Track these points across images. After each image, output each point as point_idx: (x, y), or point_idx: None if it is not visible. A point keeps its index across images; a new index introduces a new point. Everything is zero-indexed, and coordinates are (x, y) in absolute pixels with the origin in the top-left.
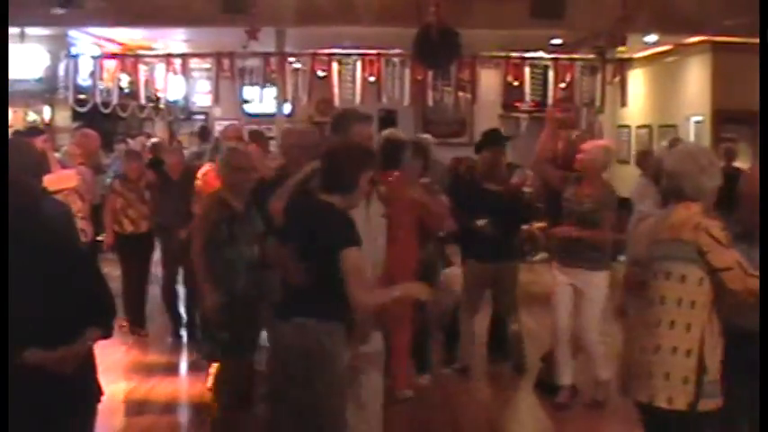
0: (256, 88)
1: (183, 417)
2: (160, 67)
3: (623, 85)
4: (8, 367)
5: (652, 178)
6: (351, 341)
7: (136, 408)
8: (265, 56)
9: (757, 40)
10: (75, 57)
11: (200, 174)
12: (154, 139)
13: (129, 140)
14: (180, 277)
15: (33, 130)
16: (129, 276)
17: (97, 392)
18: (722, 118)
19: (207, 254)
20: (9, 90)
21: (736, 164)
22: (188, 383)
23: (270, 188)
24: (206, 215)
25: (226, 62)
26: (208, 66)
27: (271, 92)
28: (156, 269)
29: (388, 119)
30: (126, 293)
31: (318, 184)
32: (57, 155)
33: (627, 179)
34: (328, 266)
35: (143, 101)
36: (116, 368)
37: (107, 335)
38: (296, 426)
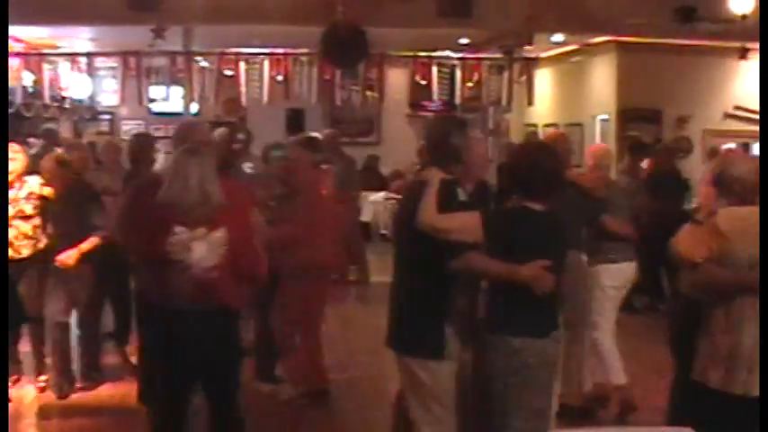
0: (163, 87)
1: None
2: (65, 66)
3: (530, 85)
4: (7, 366)
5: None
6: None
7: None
8: (172, 55)
9: (661, 40)
10: None
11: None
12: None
13: (33, 140)
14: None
15: None
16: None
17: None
18: (627, 116)
19: None
20: None
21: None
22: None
23: None
24: None
25: (132, 61)
26: (114, 64)
27: (177, 91)
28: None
29: (296, 118)
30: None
31: (517, 192)
32: None
33: None
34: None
35: (47, 100)
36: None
37: None
38: None
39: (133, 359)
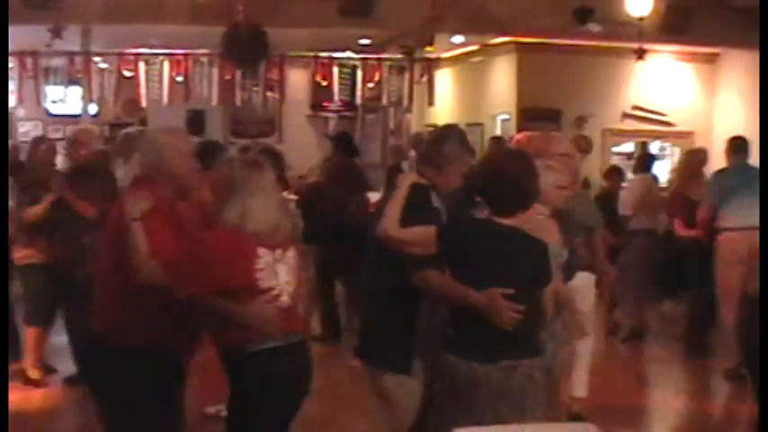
0: (61, 88)
1: None
2: None
3: (430, 85)
4: (7, 366)
5: None
6: None
7: None
8: (70, 55)
9: (560, 41)
10: None
11: None
12: None
13: None
14: None
15: None
16: None
17: None
18: (527, 116)
19: None
20: None
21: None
22: None
23: None
24: None
25: (29, 61)
26: (10, 64)
27: (76, 92)
28: None
29: (197, 119)
30: None
31: (488, 204)
32: None
33: None
34: (534, 301)
35: None
36: None
37: None
38: None
39: None
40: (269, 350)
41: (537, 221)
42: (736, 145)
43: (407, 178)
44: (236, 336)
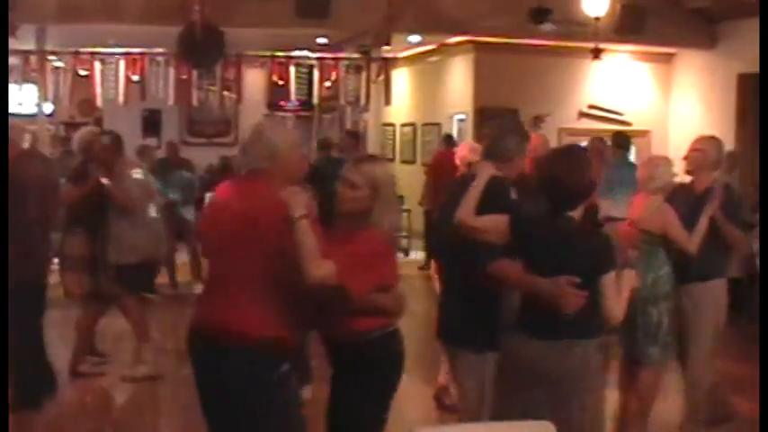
0: (15, 87)
1: None
2: None
3: (387, 84)
4: (8, 368)
5: None
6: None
7: None
8: (25, 54)
9: (517, 41)
10: None
11: None
12: None
13: None
14: None
15: None
16: None
17: None
18: (484, 115)
19: None
20: None
21: None
22: None
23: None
24: None
25: None
26: None
27: (31, 91)
28: None
29: (153, 119)
30: None
31: (546, 197)
32: None
33: (413, 180)
34: (593, 288)
35: None
36: None
37: None
38: None
39: None
40: (394, 331)
41: (654, 208)
42: (618, 142)
43: (485, 171)
44: (375, 320)
